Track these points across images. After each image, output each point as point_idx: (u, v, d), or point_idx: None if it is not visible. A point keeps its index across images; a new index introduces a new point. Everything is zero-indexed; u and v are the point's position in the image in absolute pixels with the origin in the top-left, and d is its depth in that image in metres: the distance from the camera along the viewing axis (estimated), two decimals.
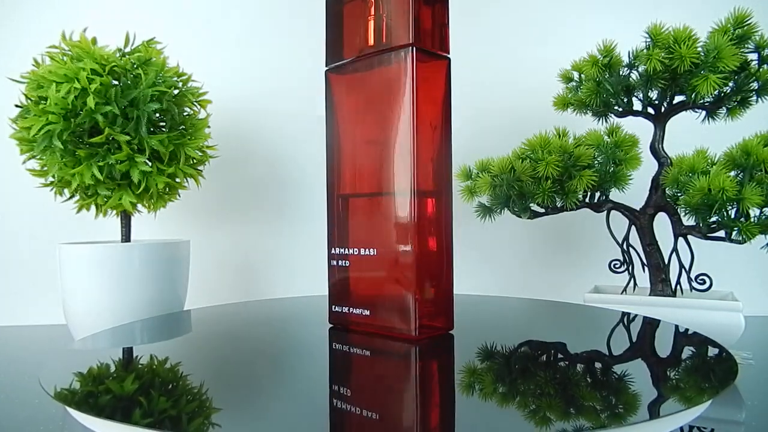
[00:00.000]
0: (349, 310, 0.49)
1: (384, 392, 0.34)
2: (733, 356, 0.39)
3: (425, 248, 0.45)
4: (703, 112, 0.63)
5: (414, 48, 0.43)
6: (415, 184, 0.43)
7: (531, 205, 0.65)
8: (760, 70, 0.58)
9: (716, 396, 0.31)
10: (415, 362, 0.40)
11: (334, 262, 0.50)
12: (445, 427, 0.28)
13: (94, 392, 0.33)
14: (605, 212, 0.66)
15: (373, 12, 0.46)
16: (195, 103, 0.70)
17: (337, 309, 0.50)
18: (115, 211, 0.67)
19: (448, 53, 0.47)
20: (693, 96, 0.59)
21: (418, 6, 0.44)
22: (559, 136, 0.67)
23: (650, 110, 0.64)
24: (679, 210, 0.61)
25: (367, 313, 0.47)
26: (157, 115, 0.66)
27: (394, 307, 0.45)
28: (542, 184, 0.63)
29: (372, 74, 0.46)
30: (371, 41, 0.46)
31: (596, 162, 0.64)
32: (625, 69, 0.62)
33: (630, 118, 0.65)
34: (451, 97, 0.47)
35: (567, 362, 0.40)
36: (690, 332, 0.49)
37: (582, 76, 0.66)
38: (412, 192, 0.43)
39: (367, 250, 0.47)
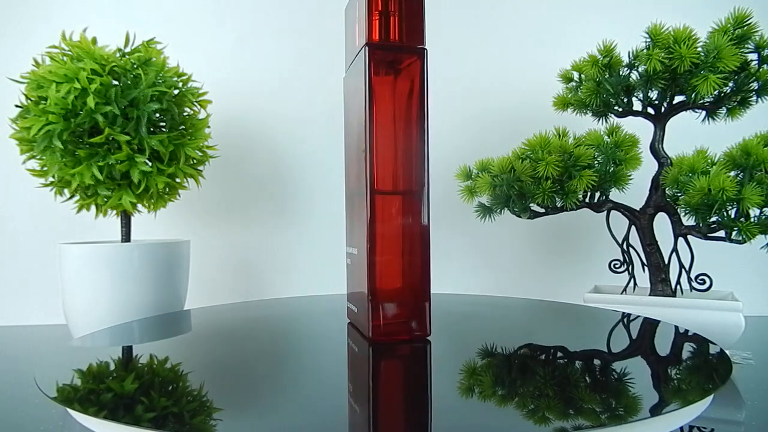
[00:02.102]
0: (351, 306, 0.50)
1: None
2: (728, 355, 0.39)
3: (386, 249, 0.44)
4: (703, 112, 0.63)
5: (368, 47, 0.43)
6: (368, 183, 0.43)
7: (531, 205, 0.65)
8: (760, 70, 0.58)
9: (710, 395, 0.31)
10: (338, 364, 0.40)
11: (347, 260, 0.51)
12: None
13: (91, 391, 0.33)
14: (605, 212, 0.66)
15: (357, 15, 0.47)
16: (195, 103, 0.70)
17: (349, 305, 0.52)
18: (115, 211, 0.67)
19: (422, 44, 0.45)
20: (693, 96, 0.59)
21: (374, 4, 0.44)
22: (559, 136, 0.67)
23: (650, 110, 0.64)
24: (679, 210, 0.61)
25: (356, 310, 0.48)
26: (157, 115, 0.66)
27: (361, 307, 0.46)
28: (542, 184, 0.62)
29: (355, 77, 0.47)
30: (356, 44, 0.47)
31: (596, 162, 0.64)
32: (625, 69, 0.62)
33: (630, 118, 0.65)
34: (425, 90, 0.45)
35: (566, 362, 0.40)
36: (686, 332, 0.49)
37: (582, 76, 0.66)
38: (368, 191, 0.43)
39: (354, 249, 0.48)
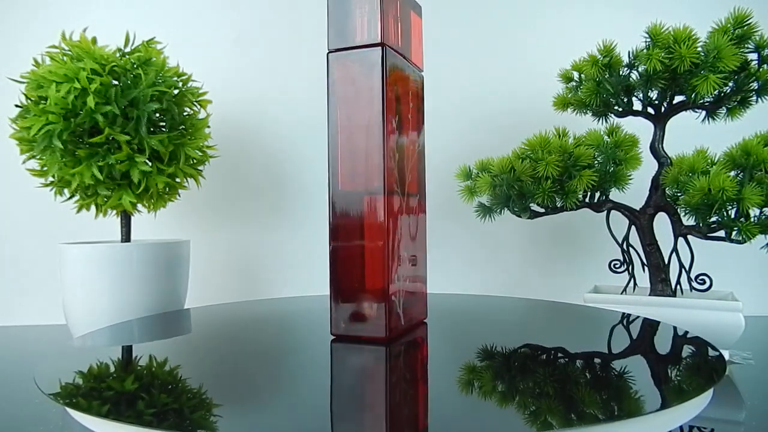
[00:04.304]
0: None
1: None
2: (729, 355, 0.39)
3: (343, 248, 0.45)
4: (703, 112, 0.63)
5: (328, 55, 0.45)
6: (329, 183, 0.45)
7: (531, 205, 0.65)
8: (760, 70, 0.58)
9: (704, 393, 0.31)
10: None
11: None
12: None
13: (92, 390, 0.33)
14: (605, 212, 0.66)
15: None
16: (195, 103, 0.70)
17: None
18: (115, 211, 0.67)
19: (379, 41, 0.44)
20: (693, 96, 0.59)
21: (335, 9, 0.45)
22: (559, 136, 0.67)
23: (650, 110, 0.64)
24: (679, 210, 0.61)
25: None
26: (157, 115, 0.66)
27: None
28: (542, 184, 0.62)
29: None
30: None
31: (596, 162, 0.64)
32: (625, 69, 0.62)
33: (630, 118, 0.65)
34: (384, 87, 0.44)
35: (566, 362, 0.39)
36: (684, 333, 0.48)
37: (582, 76, 0.66)
38: (330, 190, 0.45)
39: None
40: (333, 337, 0.45)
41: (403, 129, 0.47)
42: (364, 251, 0.45)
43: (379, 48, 0.44)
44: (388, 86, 0.44)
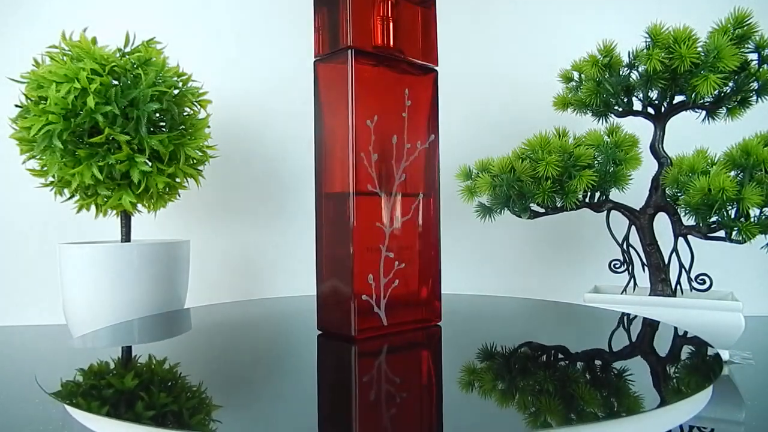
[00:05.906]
0: None
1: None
2: (728, 355, 0.39)
3: (323, 249, 0.47)
4: (703, 112, 0.63)
5: (314, 62, 0.48)
6: (315, 186, 0.47)
7: (531, 205, 0.65)
8: (760, 70, 0.58)
9: (701, 392, 0.31)
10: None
11: None
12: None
13: (92, 388, 0.33)
14: (605, 212, 0.66)
15: None
16: (195, 103, 0.70)
17: None
18: (115, 211, 0.67)
19: (349, 44, 0.45)
20: (693, 96, 0.59)
21: (319, 14, 0.47)
22: (559, 136, 0.67)
23: (650, 110, 0.64)
24: (679, 210, 0.61)
25: None
26: (157, 115, 0.66)
27: None
28: (542, 184, 0.62)
29: None
30: None
31: (596, 162, 0.64)
32: (625, 69, 0.62)
33: (630, 118, 0.65)
34: (353, 90, 0.45)
35: (566, 362, 0.39)
36: (684, 333, 0.48)
37: (582, 76, 0.66)
38: (316, 192, 0.47)
39: None
40: (319, 333, 0.47)
41: (387, 129, 0.47)
42: (337, 252, 0.46)
43: (347, 51, 0.45)
44: (359, 87, 0.45)
